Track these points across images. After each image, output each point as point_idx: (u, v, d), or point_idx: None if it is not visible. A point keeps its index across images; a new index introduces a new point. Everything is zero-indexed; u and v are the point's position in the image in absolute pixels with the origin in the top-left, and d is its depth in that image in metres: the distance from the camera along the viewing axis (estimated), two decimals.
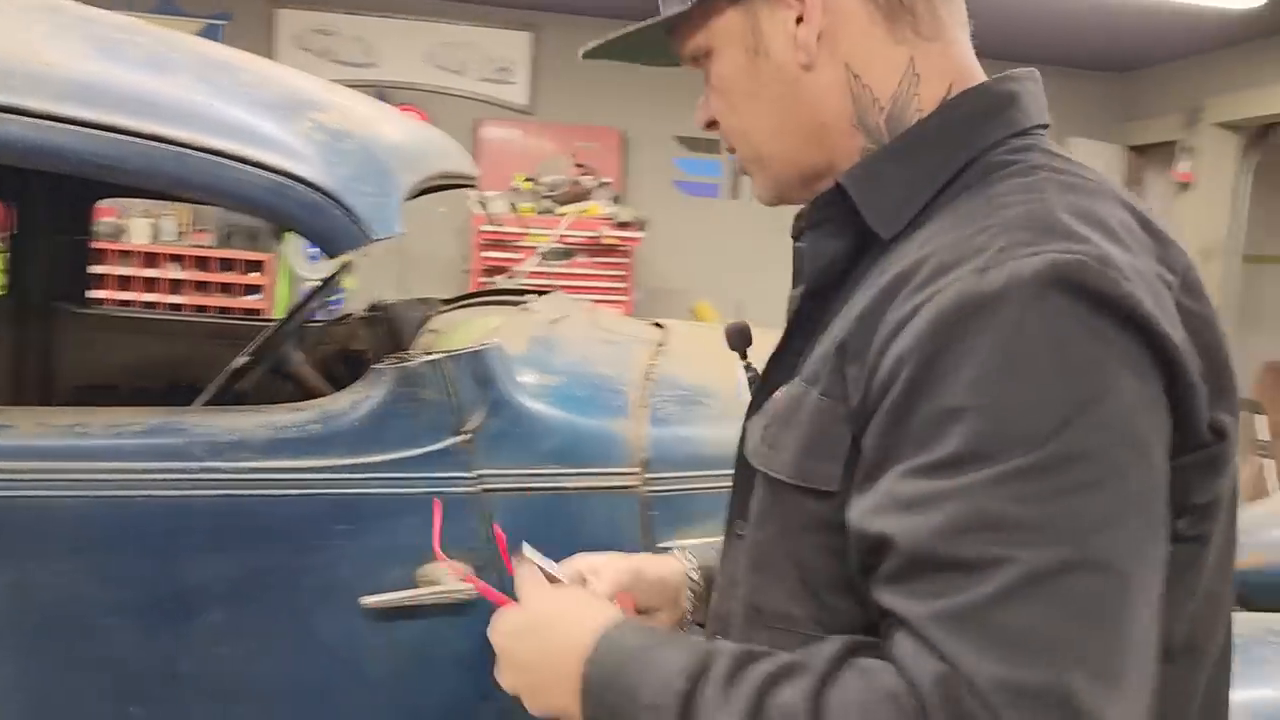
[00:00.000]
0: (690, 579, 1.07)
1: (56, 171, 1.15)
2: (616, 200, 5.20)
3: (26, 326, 2.40)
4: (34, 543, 1.15)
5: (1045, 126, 0.80)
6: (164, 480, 1.16)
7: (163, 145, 1.13)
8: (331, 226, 1.24)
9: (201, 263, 4.95)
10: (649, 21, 0.84)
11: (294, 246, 4.42)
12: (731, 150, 0.88)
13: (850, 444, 0.70)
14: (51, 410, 1.30)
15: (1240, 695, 1.42)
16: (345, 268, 2.24)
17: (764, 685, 0.65)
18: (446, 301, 2.27)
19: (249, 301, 4.94)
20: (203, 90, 1.21)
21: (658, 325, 1.96)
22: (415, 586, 1.27)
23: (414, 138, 1.63)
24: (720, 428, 1.54)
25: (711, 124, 0.88)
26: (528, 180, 5.09)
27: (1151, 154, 6.22)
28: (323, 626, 1.25)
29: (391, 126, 1.55)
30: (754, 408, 0.86)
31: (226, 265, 4.97)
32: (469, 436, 1.30)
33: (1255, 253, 5.98)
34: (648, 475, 1.42)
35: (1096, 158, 6.05)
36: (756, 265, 5.64)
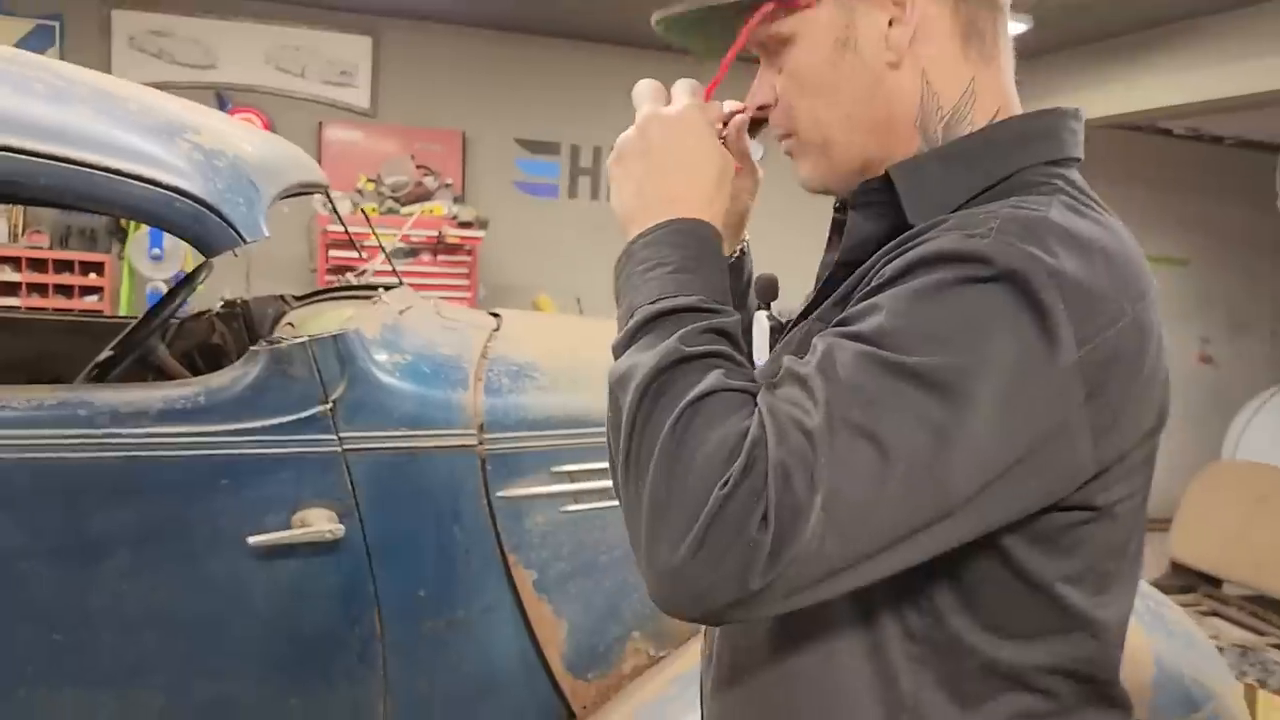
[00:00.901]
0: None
1: None
2: (458, 200, 5.39)
3: None
4: None
5: (1078, 160, 0.86)
6: (75, 444, 1.38)
7: (72, 166, 1.35)
8: (210, 232, 1.47)
9: (37, 264, 4.88)
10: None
11: (137, 248, 4.45)
12: (786, 135, 0.91)
13: None
14: None
15: None
16: (207, 267, 2.45)
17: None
18: (299, 298, 2.49)
19: (88, 303, 4.87)
20: (100, 119, 1.43)
21: (494, 314, 2.25)
22: (290, 529, 1.53)
23: (273, 152, 1.86)
24: (546, 396, 1.84)
25: (764, 106, 0.92)
26: (371, 181, 5.24)
27: None
28: (214, 566, 1.48)
29: (253, 143, 1.78)
30: (779, 351, 0.93)
31: (64, 266, 4.92)
32: (331, 405, 1.55)
33: None
34: (484, 436, 1.69)
35: None
36: (592, 261, 5.94)
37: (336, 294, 2.42)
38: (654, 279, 0.80)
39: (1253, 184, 5.47)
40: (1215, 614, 5.09)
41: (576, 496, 1.79)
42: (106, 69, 4.91)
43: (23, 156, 1.33)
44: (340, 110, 5.54)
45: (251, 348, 1.54)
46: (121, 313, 4.63)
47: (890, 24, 0.83)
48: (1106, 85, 5.28)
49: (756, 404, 0.72)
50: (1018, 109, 0.88)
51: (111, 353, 2.17)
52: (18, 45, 3.39)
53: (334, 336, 1.58)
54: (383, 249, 2.37)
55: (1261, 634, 4.83)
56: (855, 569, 0.70)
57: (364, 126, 5.57)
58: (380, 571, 1.61)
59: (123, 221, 4.86)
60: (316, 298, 2.41)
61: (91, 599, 1.42)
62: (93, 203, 1.40)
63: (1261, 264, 7.12)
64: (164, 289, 4.42)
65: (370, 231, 2.64)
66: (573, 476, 1.78)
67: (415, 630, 1.65)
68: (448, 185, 5.25)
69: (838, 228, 0.93)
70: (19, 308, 4.59)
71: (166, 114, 1.57)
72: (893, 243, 0.81)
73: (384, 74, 5.61)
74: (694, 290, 0.79)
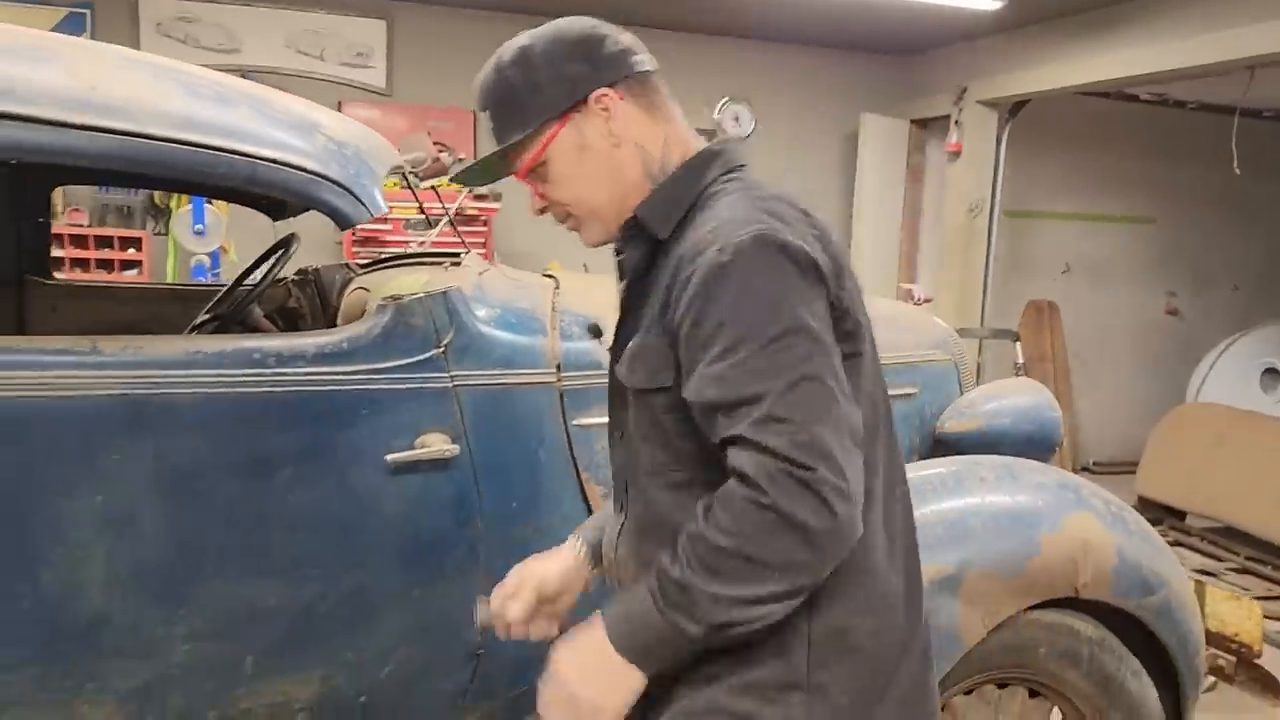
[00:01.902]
0: (583, 559, 1.52)
1: (189, 181, 1.68)
2: None
3: (3, 299, 2.80)
4: (173, 424, 1.69)
5: (744, 166, 1.29)
6: (251, 380, 1.72)
7: (242, 157, 1.68)
8: (345, 208, 1.81)
9: (78, 240, 5.16)
10: (495, 151, 1.30)
11: (181, 225, 4.74)
12: (566, 218, 1.33)
13: (674, 359, 1.18)
14: (183, 338, 1.82)
15: (945, 504, 2.16)
16: (295, 239, 2.78)
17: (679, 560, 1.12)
18: (363, 266, 2.80)
19: (127, 276, 5.16)
20: (256, 119, 1.75)
21: (549, 276, 2.58)
22: (415, 449, 1.87)
23: (371, 142, 2.19)
24: (606, 342, 2.19)
25: (542, 210, 1.34)
26: None
27: (931, 127, 6.89)
28: (357, 479, 1.82)
29: (360, 135, 2.11)
30: (615, 355, 1.33)
31: (103, 243, 5.20)
32: (444, 349, 1.89)
33: (1014, 209, 6.86)
34: (561, 375, 2.02)
35: (887, 130, 6.77)
36: None
37: (398, 262, 2.74)
38: None
39: (1214, 146, 5.78)
40: (1179, 544, 5.48)
41: None
42: None
43: (205, 150, 1.66)
44: (358, 90, 5.80)
45: (379, 302, 1.88)
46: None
47: (606, 122, 1.25)
48: (1077, 56, 5.56)
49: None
50: (697, 146, 1.31)
51: (208, 315, 2.50)
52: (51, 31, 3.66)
53: (443, 293, 1.92)
54: (451, 221, 2.68)
55: (1220, 560, 5.25)
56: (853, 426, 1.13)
57: (381, 105, 5.82)
58: (483, 485, 1.95)
59: (158, 200, 5.14)
60: (380, 265, 2.72)
61: (265, 505, 1.76)
62: (259, 186, 1.72)
63: (1224, 222, 7.48)
64: (206, 261, 4.71)
65: (391, 205, 2.93)
66: None
67: (509, 534, 1.99)
68: (461, 160, 5.55)
69: (620, 265, 1.33)
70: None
71: (300, 113, 1.90)
72: (676, 257, 1.19)
73: (398, 55, 5.86)
74: None
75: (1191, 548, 5.42)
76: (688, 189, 1.26)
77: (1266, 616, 4.37)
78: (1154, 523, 5.68)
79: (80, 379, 1.62)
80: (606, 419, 2.06)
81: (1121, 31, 5.32)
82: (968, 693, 2.19)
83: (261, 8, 5.54)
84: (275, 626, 1.81)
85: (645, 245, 1.27)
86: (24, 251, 2.81)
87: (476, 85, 1.34)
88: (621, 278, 1.33)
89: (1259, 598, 4.04)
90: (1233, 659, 2.99)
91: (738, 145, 1.33)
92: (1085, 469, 7.15)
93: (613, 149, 1.26)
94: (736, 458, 1.09)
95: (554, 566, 1.51)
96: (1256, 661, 3.03)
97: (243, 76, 5.30)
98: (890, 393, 2.79)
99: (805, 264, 1.13)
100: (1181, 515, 5.68)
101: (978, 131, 6.44)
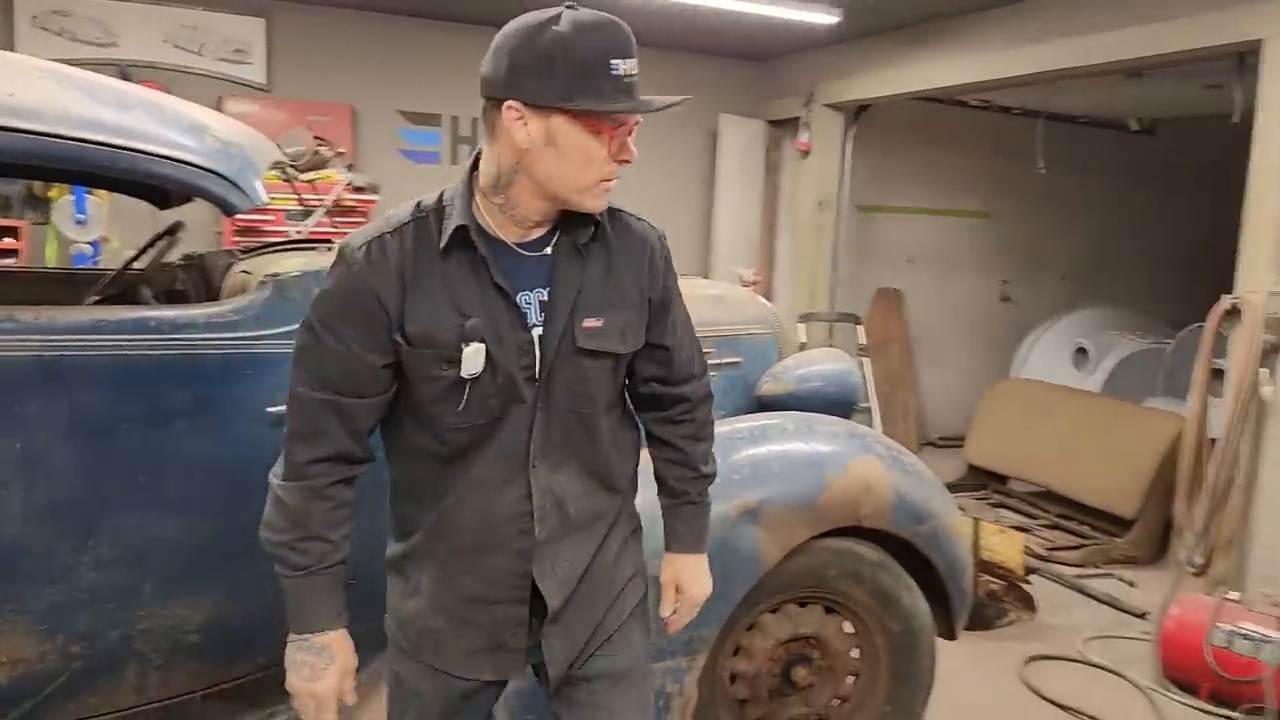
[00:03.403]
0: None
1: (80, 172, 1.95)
2: (350, 168, 5.94)
3: None
4: (81, 382, 1.96)
5: None
6: (147, 344, 2.01)
7: (142, 154, 1.97)
8: (230, 198, 2.10)
9: None
10: (680, 100, 1.49)
11: (62, 214, 4.86)
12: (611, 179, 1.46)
13: (643, 323, 1.58)
14: (88, 308, 2.08)
15: (752, 451, 2.57)
16: (177, 226, 3.04)
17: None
18: (244, 252, 3.07)
19: (4, 264, 5.24)
20: (152, 121, 2.04)
21: None
22: None
23: (253, 140, 2.49)
24: None
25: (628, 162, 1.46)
26: None
27: (785, 127, 7.32)
28: (244, 428, 2.13)
29: (243, 134, 2.41)
30: (562, 329, 1.49)
31: None
32: None
33: (863, 203, 7.38)
34: None
35: (744, 130, 7.25)
36: None
37: (277, 248, 3.01)
38: None
39: (1044, 149, 6.34)
40: (1003, 505, 6.10)
41: None
42: (10, 47, 5.24)
43: (107, 149, 1.94)
44: (238, 86, 5.95)
45: (261, 280, 2.20)
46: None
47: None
48: (907, 66, 6.09)
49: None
50: None
51: (98, 296, 2.74)
52: None
53: (315, 272, 2.24)
54: (328, 211, 2.97)
55: (1035, 518, 5.87)
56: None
57: (261, 100, 5.97)
58: None
59: (36, 190, 5.22)
60: (260, 251, 2.99)
61: (162, 451, 2.04)
62: (155, 179, 2.02)
63: (1052, 216, 8.20)
64: (88, 249, 4.85)
65: (272, 197, 3.17)
66: None
67: (381, 474, 2.33)
68: (340, 153, 5.78)
69: (570, 246, 1.55)
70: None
71: (190, 116, 2.19)
72: (625, 244, 1.58)
73: (277, 52, 6.02)
74: None
75: (1013, 509, 6.01)
76: None
77: (1061, 562, 5.01)
78: (980, 487, 6.33)
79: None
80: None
81: (943, 45, 5.88)
82: (773, 611, 2.61)
83: (138, 3, 5.64)
84: (171, 557, 2.10)
85: (589, 233, 1.50)
86: None
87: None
88: (556, 259, 1.50)
89: (1015, 527, 4.57)
90: (1003, 582, 3.52)
91: None
92: (929, 444, 7.77)
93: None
94: (699, 386, 1.72)
95: (336, 671, 1.54)
96: (1020, 584, 3.58)
97: (121, 72, 5.49)
98: (719, 361, 3.25)
99: None
100: (1004, 480, 6.28)
101: (825, 132, 6.92)
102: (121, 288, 2.79)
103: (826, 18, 5.25)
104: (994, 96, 6.89)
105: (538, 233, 1.49)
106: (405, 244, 1.45)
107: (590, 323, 1.49)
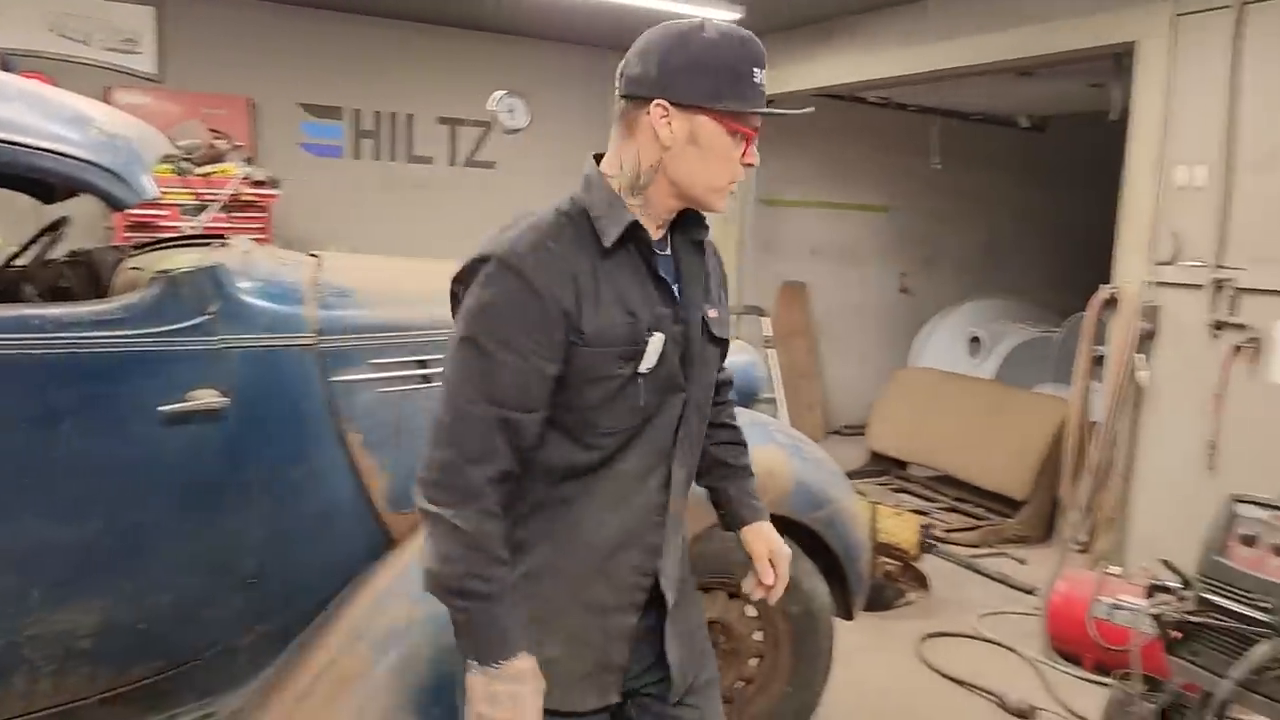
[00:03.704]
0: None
1: None
2: (249, 162, 5.81)
3: None
4: None
5: None
6: (33, 343, 1.96)
7: (23, 148, 1.91)
8: (116, 192, 2.06)
9: None
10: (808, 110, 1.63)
11: None
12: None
13: None
14: None
15: None
16: (66, 221, 2.95)
17: None
18: (135, 248, 3.00)
19: None
20: (34, 113, 1.99)
21: (313, 255, 2.87)
22: (186, 402, 2.15)
23: (142, 132, 2.43)
24: (362, 310, 2.48)
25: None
26: None
27: None
28: (136, 427, 2.08)
29: (130, 127, 2.35)
30: (688, 318, 1.54)
31: None
32: (213, 315, 2.19)
33: (765, 197, 7.49)
34: (320, 338, 2.33)
35: None
36: (378, 215, 6.52)
37: (170, 244, 2.95)
38: None
39: (941, 145, 6.54)
40: (903, 490, 6.30)
41: (388, 382, 2.43)
42: None
43: None
44: (128, 76, 5.76)
45: (151, 276, 2.15)
46: None
47: None
48: (810, 62, 6.24)
49: None
50: None
51: None
52: None
53: (211, 268, 2.21)
54: (225, 207, 2.91)
55: (933, 501, 6.07)
56: None
57: (153, 92, 5.80)
58: (251, 433, 2.25)
59: None
60: (153, 247, 2.93)
61: (49, 452, 1.99)
62: (37, 172, 1.96)
63: (947, 209, 8.47)
64: None
65: (164, 190, 3.09)
66: (385, 367, 2.42)
67: (276, 475, 2.30)
68: (239, 147, 5.65)
69: (689, 244, 1.61)
70: None
71: (73, 107, 2.13)
72: (708, 245, 1.62)
73: (169, 42, 5.84)
74: None
75: (912, 493, 6.21)
76: None
77: (957, 544, 5.18)
78: (881, 473, 6.52)
79: None
80: (360, 376, 2.44)
81: (844, 43, 6.03)
82: None
83: None
84: (60, 562, 2.05)
85: (706, 231, 1.59)
86: None
87: None
88: (678, 256, 1.57)
89: (915, 511, 4.73)
90: (898, 563, 3.65)
91: None
92: (835, 432, 7.96)
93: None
94: (726, 370, 1.77)
95: (537, 692, 1.45)
96: (914, 564, 3.71)
97: (2, 61, 5.26)
98: None
99: None
100: (904, 465, 6.48)
101: None
102: (3, 286, 2.71)
103: (728, 14, 5.33)
104: (892, 94, 7.08)
105: (662, 232, 1.55)
106: (566, 246, 1.44)
107: (712, 313, 1.59)
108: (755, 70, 1.44)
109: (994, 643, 3.96)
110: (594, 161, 1.54)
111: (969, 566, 4.88)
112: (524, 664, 1.42)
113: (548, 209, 1.50)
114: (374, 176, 6.55)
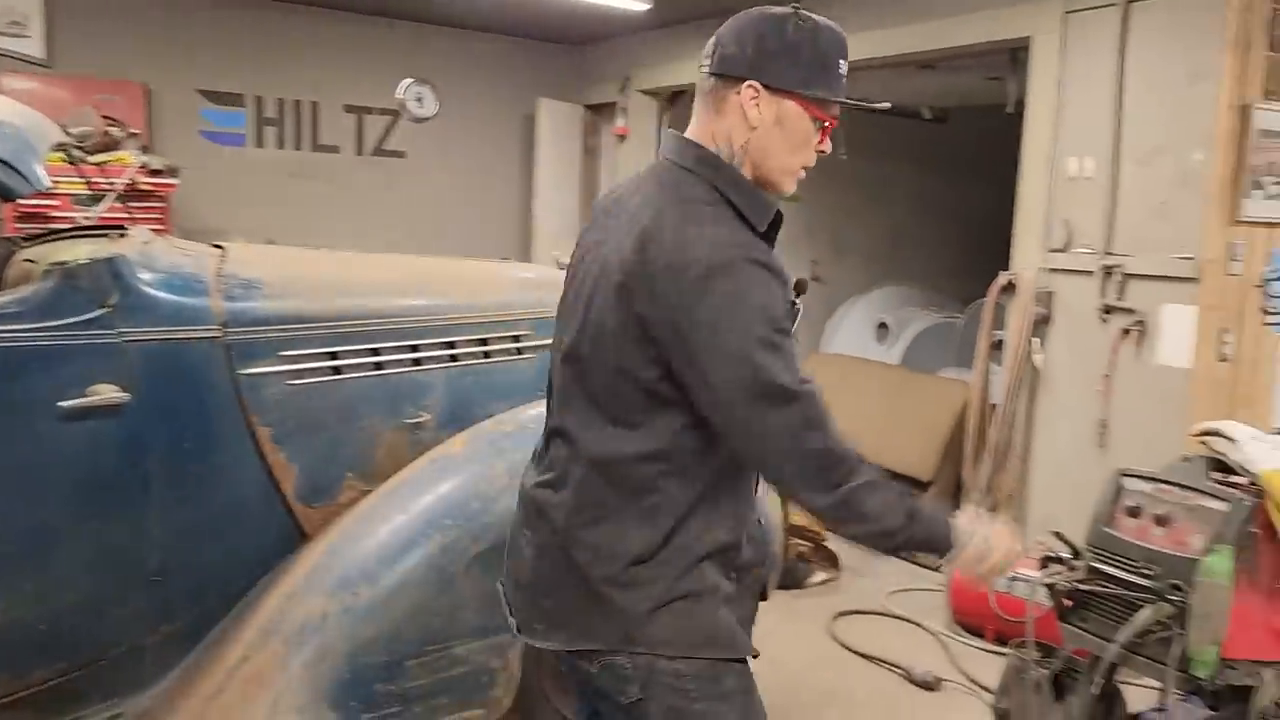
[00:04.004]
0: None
1: None
2: (145, 150, 5.63)
3: None
4: None
5: None
6: None
7: None
8: (9, 182, 2.01)
9: None
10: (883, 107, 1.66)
11: None
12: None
13: None
14: None
15: None
16: None
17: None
18: (27, 239, 2.90)
19: None
20: None
21: (217, 246, 2.81)
22: (87, 397, 2.10)
23: (33, 121, 2.35)
24: (270, 302, 2.44)
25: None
26: None
27: (602, 112, 7.41)
28: (36, 424, 2.03)
29: (21, 115, 2.27)
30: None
31: None
32: (112, 308, 2.14)
33: None
34: (226, 330, 2.30)
35: (562, 114, 7.28)
36: (282, 203, 6.38)
37: (64, 235, 2.85)
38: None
39: (842, 135, 6.66)
40: None
41: (298, 374, 2.41)
42: None
43: None
44: (14, 60, 5.53)
45: (46, 268, 2.09)
46: None
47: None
48: None
49: None
50: None
51: None
52: None
53: (108, 259, 2.15)
54: (120, 197, 2.83)
55: None
56: None
57: (42, 77, 5.59)
58: (155, 429, 2.21)
59: None
60: (47, 239, 2.83)
61: None
62: None
63: (855, 198, 8.66)
64: None
65: (56, 180, 2.98)
66: (294, 360, 2.39)
67: (182, 471, 2.26)
68: (134, 135, 5.47)
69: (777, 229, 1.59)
70: None
71: None
72: None
73: (58, 25, 5.64)
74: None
75: None
76: None
77: None
78: None
79: None
80: (269, 368, 2.40)
81: None
82: None
83: None
84: None
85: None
86: None
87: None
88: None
89: None
90: (810, 543, 3.74)
91: None
92: None
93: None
94: None
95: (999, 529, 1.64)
96: (825, 545, 3.81)
97: None
98: (536, 343, 3.30)
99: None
100: None
101: (641, 117, 7.07)
102: None
103: (638, 4, 5.36)
104: None
105: None
106: (750, 234, 1.48)
107: None
108: (841, 62, 1.51)
109: (902, 618, 4.09)
110: (683, 138, 1.55)
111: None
112: (962, 521, 1.57)
113: (694, 202, 1.47)
114: (278, 165, 6.41)
